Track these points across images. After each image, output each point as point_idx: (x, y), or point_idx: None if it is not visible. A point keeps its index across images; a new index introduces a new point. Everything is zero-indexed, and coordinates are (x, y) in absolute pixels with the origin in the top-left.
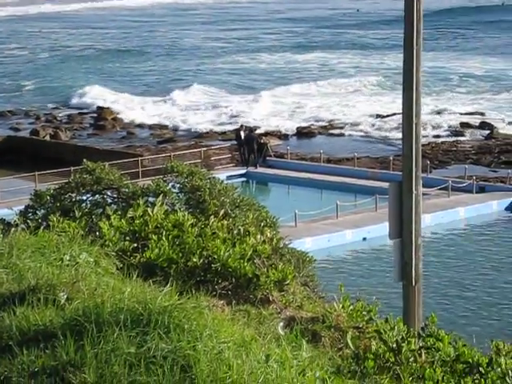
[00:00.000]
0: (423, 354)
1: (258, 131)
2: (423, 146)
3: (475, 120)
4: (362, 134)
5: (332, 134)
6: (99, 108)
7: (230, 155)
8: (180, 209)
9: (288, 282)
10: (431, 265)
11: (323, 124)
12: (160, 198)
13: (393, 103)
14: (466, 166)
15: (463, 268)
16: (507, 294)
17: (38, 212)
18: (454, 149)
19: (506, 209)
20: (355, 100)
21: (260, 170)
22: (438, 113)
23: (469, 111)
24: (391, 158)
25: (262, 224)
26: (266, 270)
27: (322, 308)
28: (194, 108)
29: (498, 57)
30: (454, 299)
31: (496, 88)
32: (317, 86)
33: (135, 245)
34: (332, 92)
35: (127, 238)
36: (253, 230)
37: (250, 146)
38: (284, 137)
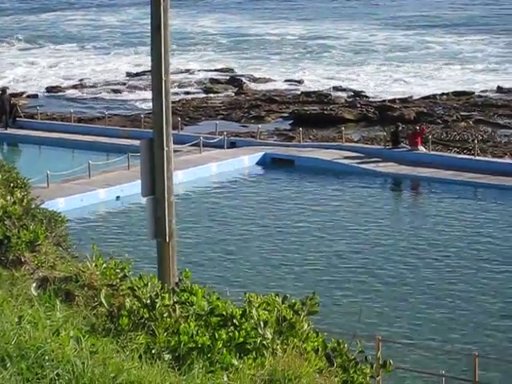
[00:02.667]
0: (177, 309)
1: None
2: (174, 103)
3: (225, 76)
4: (113, 92)
5: (83, 93)
6: None
7: None
8: None
9: (40, 242)
10: (185, 221)
11: (74, 83)
12: None
13: (142, 60)
14: (217, 122)
15: (217, 223)
16: (258, 247)
17: None
18: (205, 105)
19: (257, 163)
20: (106, 59)
21: (10, 131)
22: (188, 70)
23: (218, 68)
24: (142, 116)
25: (12, 185)
26: (17, 231)
27: (75, 267)
28: None
29: (236, 14)
30: (208, 254)
31: (239, 45)
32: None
33: None
34: (73, 50)
35: None
36: (2, 191)
37: (3, 108)
38: (33, 96)
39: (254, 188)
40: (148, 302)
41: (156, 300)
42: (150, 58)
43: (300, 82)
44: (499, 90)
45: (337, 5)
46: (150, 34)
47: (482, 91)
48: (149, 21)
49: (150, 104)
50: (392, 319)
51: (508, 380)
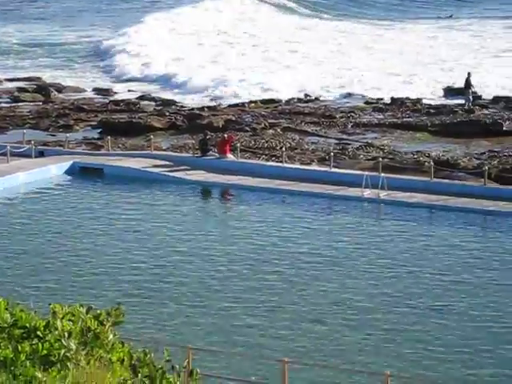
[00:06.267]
0: None
1: None
2: None
3: (32, 85)
4: None
5: None
6: None
7: None
8: None
9: None
10: None
11: None
12: None
13: None
14: (25, 131)
15: (25, 234)
16: (66, 257)
17: None
18: (12, 114)
19: (66, 172)
20: None
21: None
22: None
23: (25, 76)
24: None
25: None
26: None
27: None
28: None
29: (42, 23)
30: (13, 265)
31: (45, 53)
32: None
33: None
34: None
35: None
36: None
37: None
38: None
39: (62, 197)
40: None
41: None
42: None
43: (108, 90)
44: (306, 97)
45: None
46: None
47: (289, 99)
48: None
49: None
50: (201, 327)
51: (315, 382)
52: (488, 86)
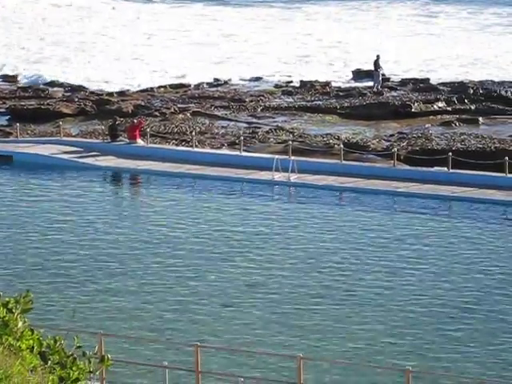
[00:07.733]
0: None
1: None
2: None
3: None
4: None
5: None
6: None
7: None
8: None
9: None
10: None
11: None
12: None
13: None
14: None
15: None
16: None
17: None
18: None
19: None
20: None
21: None
22: None
23: None
24: None
25: None
26: None
27: None
28: None
29: None
30: None
31: None
32: None
33: None
34: None
35: None
36: None
37: None
38: None
39: None
40: None
41: None
42: None
43: (15, 77)
44: (216, 81)
45: None
46: None
47: (198, 83)
48: None
49: None
50: (111, 314)
51: (228, 365)
52: (399, 65)
